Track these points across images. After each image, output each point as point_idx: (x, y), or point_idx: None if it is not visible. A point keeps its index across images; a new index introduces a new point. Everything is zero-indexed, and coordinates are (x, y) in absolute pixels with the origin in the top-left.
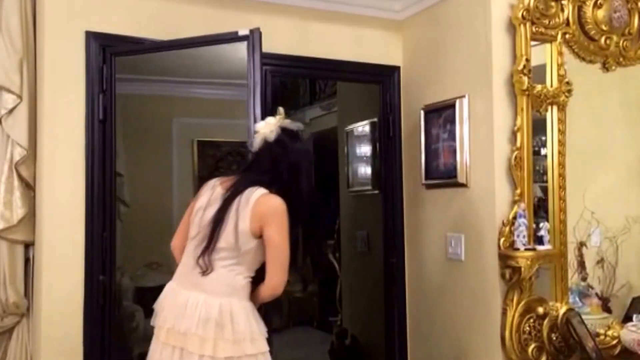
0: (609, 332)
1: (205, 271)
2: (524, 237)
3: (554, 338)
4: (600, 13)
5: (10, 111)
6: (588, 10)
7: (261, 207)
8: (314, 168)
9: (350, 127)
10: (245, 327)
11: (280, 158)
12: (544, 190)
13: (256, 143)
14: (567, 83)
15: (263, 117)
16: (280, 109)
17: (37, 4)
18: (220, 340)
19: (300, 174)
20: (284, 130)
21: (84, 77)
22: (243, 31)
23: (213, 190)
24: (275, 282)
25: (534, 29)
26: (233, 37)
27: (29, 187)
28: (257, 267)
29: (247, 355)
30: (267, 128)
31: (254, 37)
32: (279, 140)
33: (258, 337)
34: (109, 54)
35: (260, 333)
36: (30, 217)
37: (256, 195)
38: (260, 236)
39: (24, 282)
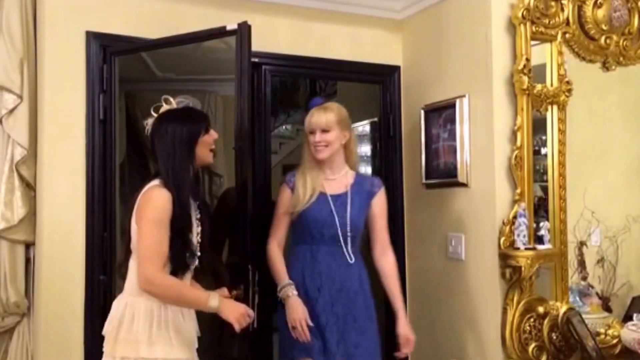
0: (609, 332)
1: (124, 274)
2: (524, 236)
3: (555, 337)
4: (600, 12)
5: (11, 111)
6: (588, 9)
7: (139, 201)
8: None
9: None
10: (143, 328)
11: (154, 145)
12: (544, 189)
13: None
14: (567, 82)
15: (251, 113)
16: (163, 97)
17: (37, 4)
18: (118, 339)
19: (167, 156)
20: (157, 116)
21: (85, 77)
22: (231, 26)
23: None
24: (140, 277)
25: (534, 29)
26: (222, 32)
27: (30, 187)
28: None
29: (142, 358)
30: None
31: (242, 32)
32: (152, 127)
33: (160, 341)
34: (108, 54)
35: (164, 338)
36: (31, 217)
37: (144, 189)
38: None
39: (24, 282)
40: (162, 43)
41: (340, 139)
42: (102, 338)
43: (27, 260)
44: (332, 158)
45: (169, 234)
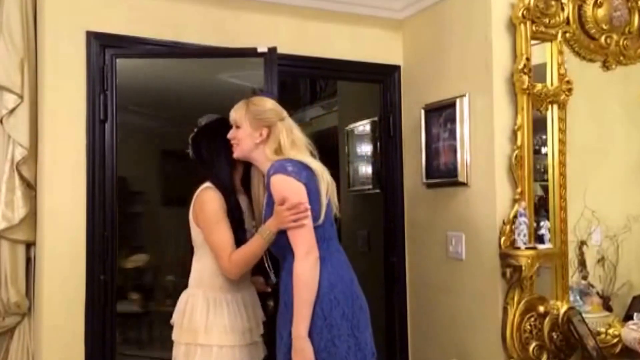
0: (610, 331)
1: (189, 270)
2: (524, 235)
3: (555, 337)
4: (601, 12)
5: (12, 111)
6: (588, 9)
7: (194, 200)
8: None
9: (351, 126)
10: (200, 317)
11: (201, 155)
12: (545, 189)
13: None
14: (568, 82)
15: None
16: (198, 120)
17: (37, 4)
18: (182, 327)
19: (210, 161)
20: (195, 133)
21: (85, 77)
22: (262, 48)
23: None
24: (221, 269)
25: (534, 28)
26: (251, 53)
27: (30, 187)
28: None
29: (200, 345)
30: None
31: (272, 55)
32: (193, 142)
33: (214, 329)
34: (109, 55)
35: (219, 326)
36: (32, 216)
37: (198, 190)
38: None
39: (25, 282)
40: (184, 53)
41: (252, 138)
42: (102, 338)
43: (28, 260)
44: (255, 160)
45: (229, 225)
